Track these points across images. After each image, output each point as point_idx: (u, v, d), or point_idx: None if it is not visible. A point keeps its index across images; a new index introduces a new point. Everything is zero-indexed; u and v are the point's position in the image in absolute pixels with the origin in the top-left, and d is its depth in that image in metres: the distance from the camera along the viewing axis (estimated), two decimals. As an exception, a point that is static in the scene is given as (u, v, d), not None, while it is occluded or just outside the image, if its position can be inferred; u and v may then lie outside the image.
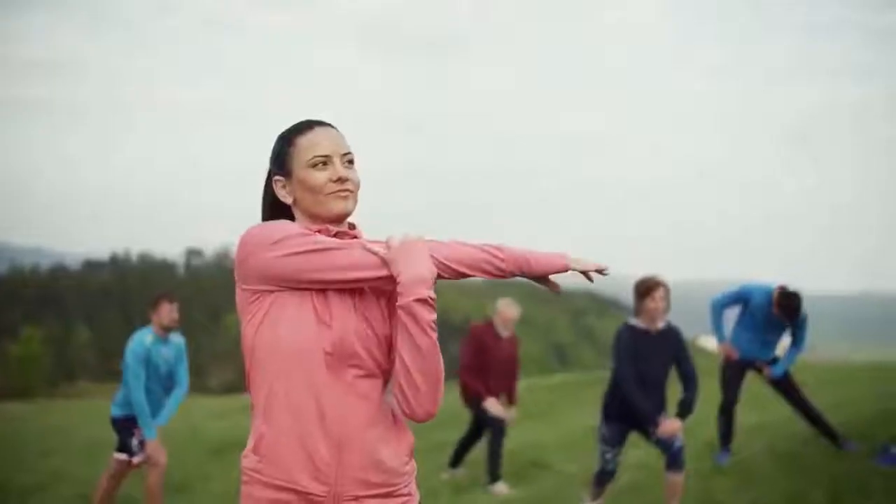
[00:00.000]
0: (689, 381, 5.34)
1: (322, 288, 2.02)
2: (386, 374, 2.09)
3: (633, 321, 5.36)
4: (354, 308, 2.05)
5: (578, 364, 66.51)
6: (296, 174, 2.09)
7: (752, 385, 7.34)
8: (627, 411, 5.31)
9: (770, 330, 6.69)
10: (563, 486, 7.10)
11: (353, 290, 2.05)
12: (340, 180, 2.07)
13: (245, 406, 18.97)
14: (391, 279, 2.01)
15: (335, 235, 2.09)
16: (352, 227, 2.16)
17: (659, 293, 5.23)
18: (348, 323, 2.03)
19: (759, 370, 6.81)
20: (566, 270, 2.15)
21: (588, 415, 11.17)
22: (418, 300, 1.96)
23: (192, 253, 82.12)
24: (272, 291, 2.01)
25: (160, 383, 6.11)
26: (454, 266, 2.05)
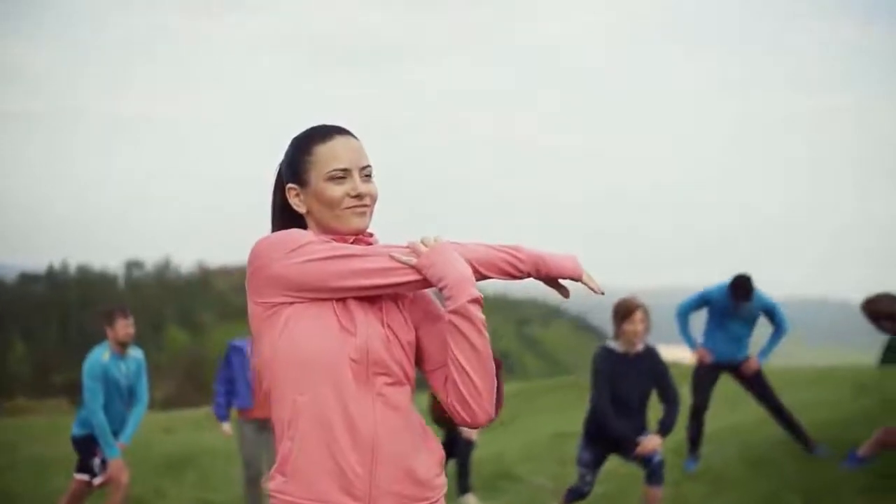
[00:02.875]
0: (670, 402, 5.27)
1: (346, 296, 1.92)
2: (412, 383, 2.00)
3: (612, 344, 5.27)
4: (376, 315, 1.96)
5: (523, 373, 66.76)
6: (312, 185, 1.99)
7: (722, 388, 7.35)
8: (607, 436, 5.23)
9: (738, 325, 6.76)
10: (533, 497, 7.03)
11: (373, 297, 1.96)
12: (359, 196, 1.97)
13: (193, 420, 18.71)
14: (421, 283, 1.93)
15: (352, 242, 2.00)
16: (368, 234, 2.06)
17: (638, 315, 5.14)
18: (372, 330, 1.94)
19: (735, 370, 6.83)
20: (579, 278, 2.07)
21: (547, 423, 11.17)
22: (472, 300, 1.88)
23: (133, 265, 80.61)
24: (291, 303, 1.91)
25: (121, 400, 5.90)
26: (477, 267, 1.97)
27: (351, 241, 1.99)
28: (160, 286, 76.76)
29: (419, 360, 2.04)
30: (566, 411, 13.12)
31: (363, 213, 1.99)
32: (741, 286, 6.62)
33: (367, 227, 2.02)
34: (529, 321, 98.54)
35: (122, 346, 5.87)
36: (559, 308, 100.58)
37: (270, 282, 1.90)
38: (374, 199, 2.01)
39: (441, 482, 2.02)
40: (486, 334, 1.91)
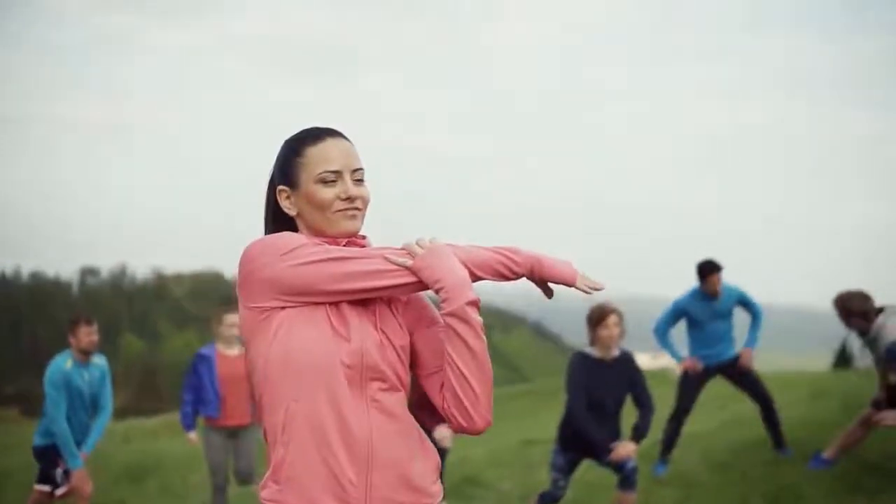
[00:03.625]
0: (645, 408, 5.28)
1: (341, 299, 1.89)
2: (407, 388, 1.98)
3: (587, 350, 5.26)
4: (370, 319, 1.93)
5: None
6: (303, 187, 1.96)
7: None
8: (582, 441, 5.23)
9: (718, 324, 6.77)
10: (501, 503, 7.02)
11: (367, 301, 1.93)
12: (350, 199, 1.94)
13: (150, 429, 18.44)
14: (416, 286, 1.91)
15: (345, 245, 1.97)
16: (361, 237, 2.03)
17: (612, 320, 5.14)
18: (366, 335, 1.90)
19: (726, 369, 6.83)
20: (573, 284, 2.04)
21: (514, 429, 11.18)
22: (470, 303, 1.86)
23: (87, 272, 79.37)
24: (283, 307, 1.87)
25: (84, 409, 5.78)
26: (472, 269, 1.94)
27: (343, 243, 1.96)
28: (115, 293, 75.66)
29: (413, 365, 2.01)
30: (529, 418, 13.18)
31: (354, 216, 1.96)
32: (704, 268, 6.65)
33: (358, 230, 1.98)
34: (490, 328, 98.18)
35: (85, 353, 5.77)
36: (518, 316, 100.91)
37: (263, 285, 1.87)
38: (365, 202, 1.98)
39: (437, 489, 1.99)
40: (484, 338, 1.89)
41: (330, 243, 1.94)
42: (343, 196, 1.93)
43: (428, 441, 2.01)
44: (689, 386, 6.88)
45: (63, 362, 5.70)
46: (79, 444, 5.75)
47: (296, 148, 1.98)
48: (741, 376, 6.82)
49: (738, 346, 6.89)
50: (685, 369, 6.87)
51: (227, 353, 6.52)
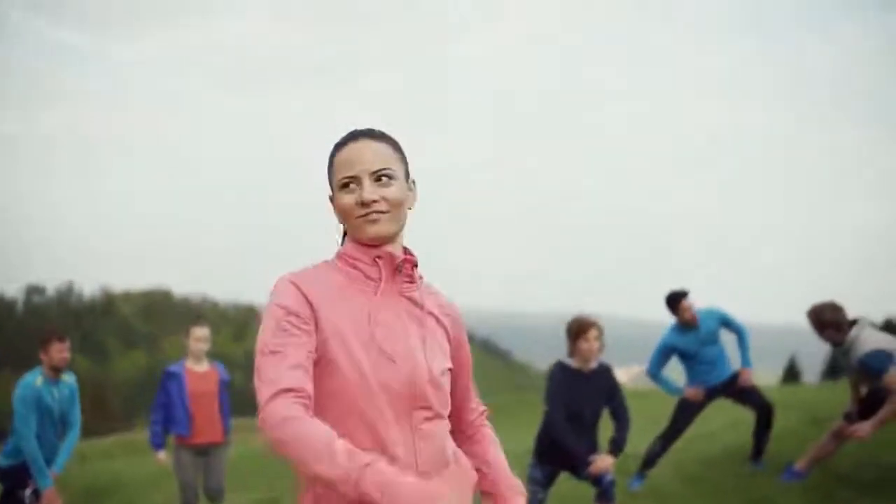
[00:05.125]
0: (622, 420, 5.30)
1: None
2: (448, 414, 1.95)
3: (567, 361, 5.28)
4: (418, 344, 1.89)
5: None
6: (335, 196, 1.92)
7: (649, 411, 7.45)
8: (559, 453, 5.23)
9: (708, 349, 6.80)
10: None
11: (416, 323, 1.90)
12: (365, 203, 1.85)
13: (102, 450, 18.03)
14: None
15: (394, 270, 1.92)
16: (411, 261, 1.95)
17: (592, 333, 5.15)
18: (413, 361, 1.86)
19: (725, 389, 6.83)
20: None
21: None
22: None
23: (33, 290, 77.79)
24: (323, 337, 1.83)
25: (53, 427, 5.64)
26: None
27: (376, 256, 1.90)
28: (62, 311, 74.26)
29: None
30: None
31: (376, 220, 1.85)
32: (671, 299, 6.75)
33: (386, 234, 1.88)
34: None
35: (57, 371, 5.64)
36: (468, 331, 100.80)
37: None
38: (391, 202, 1.87)
39: None
40: None
41: (364, 252, 1.91)
42: (359, 201, 1.86)
43: (469, 465, 1.99)
44: (688, 409, 6.87)
45: (33, 379, 5.56)
46: (48, 462, 5.61)
47: (330, 156, 1.94)
48: (741, 393, 6.84)
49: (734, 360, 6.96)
50: (691, 398, 6.86)
51: (196, 369, 6.42)
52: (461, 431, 2.12)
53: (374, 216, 1.85)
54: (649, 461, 6.90)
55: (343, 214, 1.89)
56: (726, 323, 6.86)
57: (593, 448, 5.26)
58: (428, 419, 1.86)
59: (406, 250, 1.97)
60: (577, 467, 5.23)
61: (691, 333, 6.78)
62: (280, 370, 1.72)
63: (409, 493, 1.58)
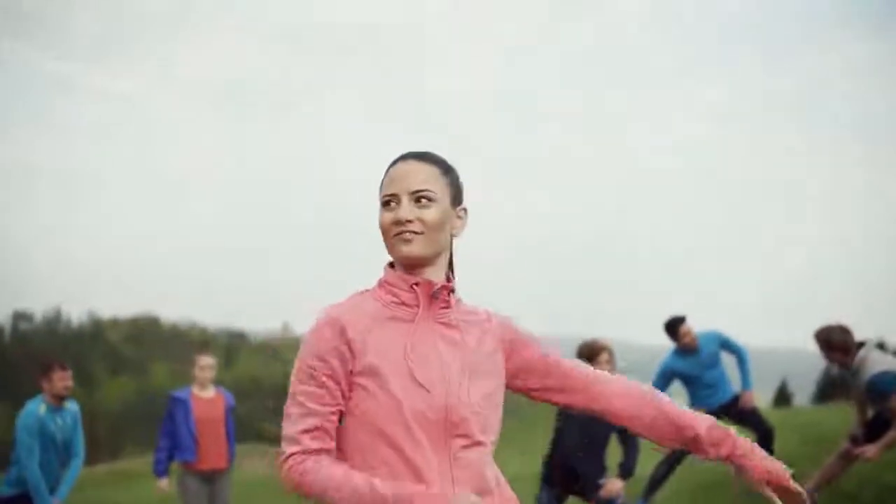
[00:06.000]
0: (630, 445, 5.30)
1: None
2: (489, 440, 1.89)
3: None
4: (456, 371, 1.85)
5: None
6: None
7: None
8: (568, 476, 5.22)
9: (709, 372, 6.82)
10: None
11: (454, 348, 1.87)
12: (399, 222, 1.84)
13: (93, 479, 17.85)
14: None
15: (431, 297, 1.89)
16: (448, 287, 1.92)
17: (603, 357, 5.16)
18: (452, 387, 1.82)
19: (728, 410, 6.81)
20: None
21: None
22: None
23: (20, 317, 77.25)
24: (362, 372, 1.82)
25: (56, 455, 5.62)
26: None
27: (416, 282, 1.88)
28: (50, 338, 73.76)
29: (526, 380, 1.98)
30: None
31: (409, 241, 1.84)
32: (669, 326, 6.77)
33: (418, 255, 1.86)
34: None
35: (60, 399, 5.62)
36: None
37: None
38: (426, 224, 1.85)
39: None
40: None
41: (403, 279, 1.90)
42: (394, 220, 1.85)
43: (509, 491, 1.93)
44: None
45: (36, 408, 5.54)
46: (51, 491, 5.57)
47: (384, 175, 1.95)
48: (743, 415, 6.84)
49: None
50: None
51: (202, 395, 6.41)
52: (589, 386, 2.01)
53: (408, 235, 1.84)
54: (654, 485, 6.89)
55: (381, 232, 1.89)
56: (726, 345, 6.89)
57: (602, 472, 5.25)
58: (465, 447, 1.82)
59: (448, 276, 1.95)
60: (587, 491, 5.22)
61: (692, 357, 6.79)
62: (299, 426, 1.79)
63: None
